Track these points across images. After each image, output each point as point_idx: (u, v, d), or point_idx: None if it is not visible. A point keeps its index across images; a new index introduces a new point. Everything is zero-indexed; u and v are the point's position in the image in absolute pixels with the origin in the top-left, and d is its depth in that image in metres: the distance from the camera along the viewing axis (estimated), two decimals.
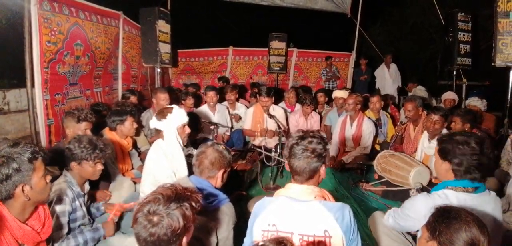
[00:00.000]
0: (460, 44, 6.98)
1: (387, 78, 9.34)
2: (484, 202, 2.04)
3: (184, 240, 1.49)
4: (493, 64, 5.71)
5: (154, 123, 3.12)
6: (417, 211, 2.16)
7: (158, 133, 3.19)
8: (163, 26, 6.42)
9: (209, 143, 2.38)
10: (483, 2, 8.19)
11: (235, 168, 4.11)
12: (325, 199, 1.86)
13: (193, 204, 1.50)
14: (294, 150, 1.85)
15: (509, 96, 5.73)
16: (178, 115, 3.14)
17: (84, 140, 2.68)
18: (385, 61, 9.46)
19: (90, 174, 2.70)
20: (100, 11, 5.43)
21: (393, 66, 9.44)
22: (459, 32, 6.95)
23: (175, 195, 1.47)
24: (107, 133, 3.75)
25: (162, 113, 3.11)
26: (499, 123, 5.64)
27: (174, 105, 3.24)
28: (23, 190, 1.85)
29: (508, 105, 5.74)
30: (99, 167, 2.73)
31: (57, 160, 2.97)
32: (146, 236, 1.40)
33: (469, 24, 7.05)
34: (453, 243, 1.53)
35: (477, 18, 7.90)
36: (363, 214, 3.54)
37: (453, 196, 2.06)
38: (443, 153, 2.17)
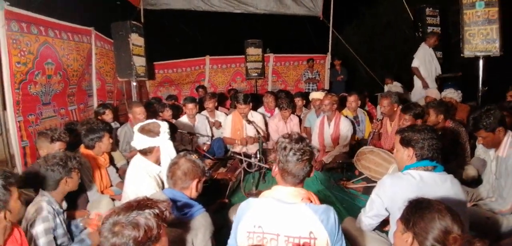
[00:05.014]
0: None
1: (435, 62, 7.01)
2: (442, 179, 2.25)
3: None
4: (462, 55, 5.87)
5: (144, 142, 2.93)
6: (385, 189, 2.33)
7: (149, 152, 2.98)
8: (136, 40, 6.36)
9: (182, 153, 2.35)
10: None
11: (216, 177, 4.09)
12: (311, 202, 1.87)
13: (157, 211, 1.48)
14: (290, 153, 1.84)
15: (480, 85, 5.88)
16: (166, 126, 3.05)
17: (56, 157, 2.67)
18: (428, 41, 6.92)
19: (76, 184, 2.77)
20: (70, 28, 5.34)
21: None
22: (428, 27, 7.14)
23: (136, 205, 1.47)
24: (82, 151, 3.68)
25: (152, 131, 2.95)
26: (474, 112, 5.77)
27: (154, 120, 3.14)
28: (5, 217, 1.91)
29: (480, 94, 5.90)
30: (78, 174, 2.81)
31: (33, 182, 2.91)
32: None
33: (437, 18, 7.25)
34: (428, 232, 1.56)
35: (447, 13, 8.12)
36: (345, 212, 3.58)
37: (415, 174, 2.26)
38: (406, 141, 2.38)
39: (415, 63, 6.84)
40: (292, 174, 1.85)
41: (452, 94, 5.63)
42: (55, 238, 2.51)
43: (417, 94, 6.81)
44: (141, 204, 1.48)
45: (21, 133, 4.22)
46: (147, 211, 1.45)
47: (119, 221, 1.41)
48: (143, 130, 2.97)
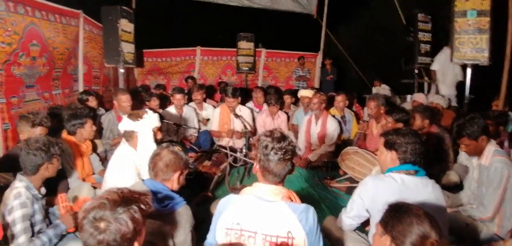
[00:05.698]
0: (421, 44, 7.23)
1: (456, 68, 6.50)
2: (423, 184, 2.26)
3: (136, 244, 1.45)
4: (450, 61, 5.91)
5: (127, 125, 3.01)
6: (366, 190, 2.34)
7: (129, 136, 3.05)
8: (126, 25, 6.26)
9: (164, 144, 2.32)
10: (443, 3, 8.49)
11: (200, 169, 4.06)
12: (291, 200, 1.86)
13: (142, 206, 1.45)
14: (272, 151, 1.81)
15: (467, 93, 5.93)
16: (154, 117, 3.11)
17: (39, 141, 2.62)
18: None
19: (55, 170, 2.70)
20: (58, 10, 5.21)
21: None
22: (420, 32, 7.19)
23: (121, 198, 1.42)
24: (65, 137, 3.62)
25: (137, 115, 3.05)
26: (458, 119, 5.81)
27: (146, 109, 3.22)
28: None
29: (466, 101, 5.96)
30: (58, 161, 2.75)
31: (13, 165, 2.85)
32: (94, 244, 1.34)
33: (429, 24, 7.30)
34: (406, 236, 1.57)
35: (439, 19, 8.18)
36: (328, 211, 3.60)
37: (397, 177, 2.27)
38: (389, 144, 2.39)
39: (434, 66, 6.75)
40: (273, 173, 1.83)
41: (438, 100, 5.68)
42: (33, 224, 2.47)
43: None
44: (126, 198, 1.44)
45: (3, 115, 4.12)
46: (133, 206, 1.42)
47: (105, 217, 1.35)
48: (130, 114, 3.09)
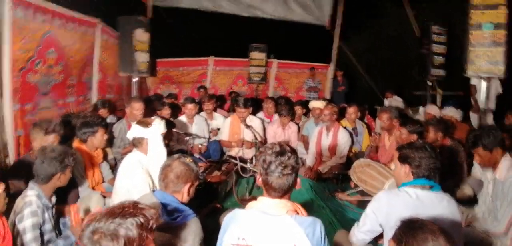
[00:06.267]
0: (435, 56, 7.15)
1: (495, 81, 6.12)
2: (439, 198, 2.21)
3: None
4: (464, 74, 5.83)
5: (137, 131, 3.07)
6: (380, 205, 2.30)
7: (139, 143, 3.12)
8: (140, 35, 6.34)
9: (176, 155, 2.31)
10: (459, 15, 8.40)
11: (209, 180, 4.05)
12: (298, 213, 1.82)
13: (141, 220, 1.38)
14: (271, 166, 1.78)
15: (483, 105, 5.83)
16: (162, 123, 3.19)
17: (54, 151, 2.64)
18: None
19: (67, 180, 2.74)
20: (76, 19, 5.30)
21: None
22: (434, 44, 7.12)
23: (120, 211, 1.37)
24: (76, 145, 3.65)
25: (146, 122, 3.12)
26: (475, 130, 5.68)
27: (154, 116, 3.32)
28: None
29: (480, 115, 5.86)
30: (71, 171, 2.79)
31: (24, 173, 2.88)
32: None
33: (444, 36, 7.22)
34: None
35: (454, 30, 8.09)
36: (338, 224, 3.54)
37: (412, 192, 2.22)
38: (403, 158, 2.36)
39: (474, 81, 6.25)
40: (273, 187, 1.79)
41: (452, 113, 5.59)
42: (42, 234, 2.49)
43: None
44: (125, 211, 1.38)
45: (16, 122, 4.17)
46: (129, 220, 1.35)
47: (99, 229, 1.32)
48: (139, 122, 3.18)
